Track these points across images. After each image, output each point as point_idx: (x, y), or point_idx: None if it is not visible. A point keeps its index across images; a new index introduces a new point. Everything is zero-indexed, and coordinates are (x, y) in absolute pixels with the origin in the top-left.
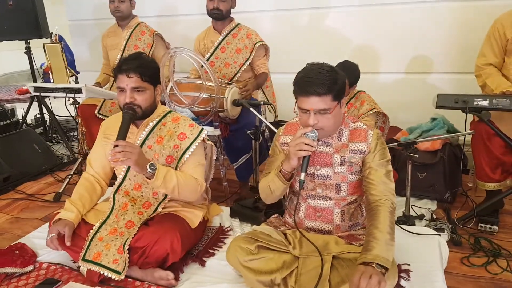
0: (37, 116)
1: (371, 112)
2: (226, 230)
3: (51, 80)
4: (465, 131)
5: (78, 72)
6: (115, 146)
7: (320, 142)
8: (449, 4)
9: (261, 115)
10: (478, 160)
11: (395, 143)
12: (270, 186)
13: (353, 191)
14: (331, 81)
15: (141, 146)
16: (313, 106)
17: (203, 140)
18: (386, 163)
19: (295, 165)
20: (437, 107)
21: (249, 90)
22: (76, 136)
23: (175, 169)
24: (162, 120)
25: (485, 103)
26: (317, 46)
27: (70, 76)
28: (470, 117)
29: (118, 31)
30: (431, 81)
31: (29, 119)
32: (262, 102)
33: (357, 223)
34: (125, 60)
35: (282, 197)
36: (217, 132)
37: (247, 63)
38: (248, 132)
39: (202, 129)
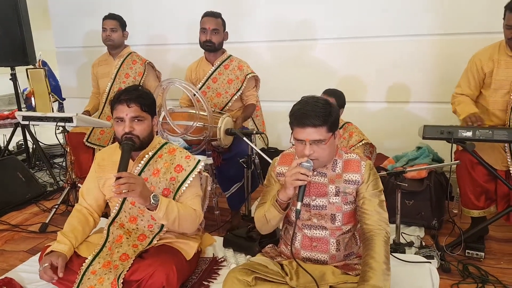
0: (20, 142)
1: (360, 144)
2: (219, 261)
3: (33, 105)
4: (451, 160)
5: (63, 99)
6: (118, 178)
7: (315, 173)
8: (430, 38)
9: (252, 143)
10: (463, 188)
11: (384, 172)
12: (266, 216)
13: (347, 221)
14: (326, 113)
15: None
16: (309, 136)
17: (199, 172)
18: (379, 193)
19: (291, 194)
20: (423, 138)
21: (238, 124)
22: (60, 164)
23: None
24: (158, 152)
25: (469, 134)
26: (305, 76)
27: (53, 102)
28: (454, 146)
29: (109, 60)
30: (414, 110)
31: (11, 145)
32: (254, 132)
33: (351, 253)
34: (123, 91)
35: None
36: (210, 161)
37: (238, 93)
38: (240, 160)
39: (199, 160)
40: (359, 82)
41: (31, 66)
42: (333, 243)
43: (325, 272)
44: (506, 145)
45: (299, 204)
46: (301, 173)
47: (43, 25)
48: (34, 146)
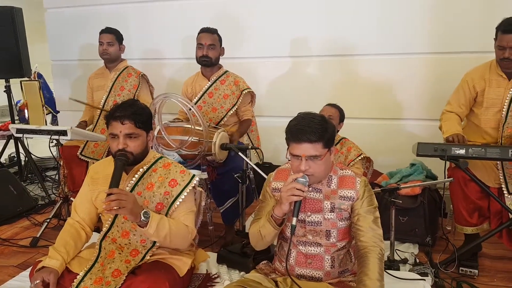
0: (12, 155)
1: (359, 158)
2: (213, 277)
3: (26, 117)
4: (444, 177)
5: (58, 112)
6: (109, 194)
7: (310, 189)
8: (424, 56)
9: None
10: (456, 205)
11: (379, 189)
12: (261, 232)
13: (342, 237)
14: (322, 129)
15: (131, 192)
16: (305, 152)
17: (194, 187)
18: (374, 209)
19: (287, 210)
20: (417, 155)
21: (234, 140)
22: (53, 177)
23: (166, 216)
24: (153, 166)
25: (462, 152)
26: (300, 92)
27: (46, 114)
28: (448, 163)
29: (105, 73)
30: (408, 127)
31: (3, 158)
32: (250, 147)
33: (346, 270)
34: (119, 106)
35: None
36: (204, 175)
37: (234, 108)
38: (235, 175)
39: (194, 175)
40: (353, 99)
41: (26, 78)
42: (328, 260)
43: None
44: (498, 162)
45: (294, 220)
46: (296, 189)
47: (39, 38)
48: (26, 158)
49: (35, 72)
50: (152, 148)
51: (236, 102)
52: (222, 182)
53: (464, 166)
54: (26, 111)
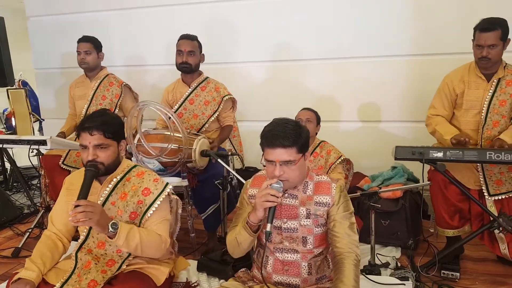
0: None
1: (339, 160)
2: (193, 285)
3: (13, 126)
4: (423, 180)
5: (43, 120)
6: (76, 206)
7: (286, 195)
8: (405, 58)
9: (229, 164)
10: (437, 207)
11: (359, 193)
12: (237, 239)
13: (319, 244)
14: (296, 134)
15: (105, 202)
16: (279, 157)
17: (168, 194)
18: (350, 215)
19: (261, 216)
20: (395, 159)
21: (215, 146)
22: (38, 186)
23: (139, 225)
24: (127, 175)
25: (440, 155)
26: (282, 96)
27: (34, 122)
28: (427, 166)
29: (86, 82)
30: (391, 129)
31: None
32: (230, 153)
33: (324, 276)
34: (88, 117)
35: (251, 249)
36: (185, 182)
37: (215, 114)
38: (216, 182)
39: (167, 183)
40: (335, 102)
41: (13, 87)
42: (305, 267)
43: None
44: (478, 164)
45: (269, 226)
46: (271, 195)
47: (23, 46)
48: (11, 167)
49: (19, 80)
50: (132, 156)
51: (217, 108)
52: (203, 189)
53: (442, 169)
54: (13, 119)
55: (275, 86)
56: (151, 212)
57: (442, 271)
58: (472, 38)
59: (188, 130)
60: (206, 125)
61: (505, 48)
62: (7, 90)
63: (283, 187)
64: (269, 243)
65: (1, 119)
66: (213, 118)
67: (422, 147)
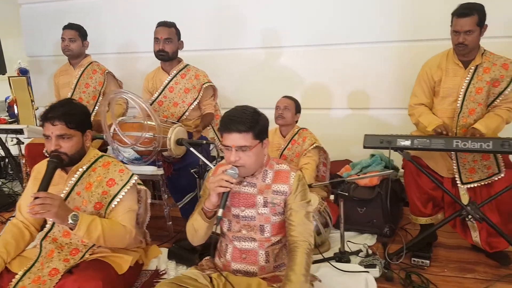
0: None
1: (313, 147)
2: (161, 273)
3: (16, 113)
4: (390, 169)
5: (37, 108)
6: (35, 198)
7: (245, 183)
8: (394, 45)
9: (210, 152)
10: (410, 195)
11: (327, 182)
12: (194, 225)
13: (277, 232)
14: (253, 120)
15: (70, 192)
16: (234, 142)
17: (134, 185)
18: (307, 204)
19: (215, 201)
20: (364, 147)
21: (196, 134)
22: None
23: (104, 216)
24: (93, 165)
25: (407, 143)
26: (272, 83)
27: (36, 109)
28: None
29: (69, 70)
30: (380, 116)
31: None
32: (204, 142)
33: (282, 264)
34: (51, 107)
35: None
36: (160, 171)
37: (195, 102)
38: (192, 170)
39: (133, 174)
40: (324, 89)
41: (14, 74)
42: (262, 255)
43: (251, 284)
44: (452, 152)
45: (220, 211)
46: (224, 180)
47: (18, 33)
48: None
49: (18, 68)
50: (108, 145)
51: (197, 96)
52: (179, 177)
53: (407, 157)
54: (15, 107)
55: (264, 73)
56: (115, 203)
57: (413, 259)
58: (450, 24)
59: (166, 119)
60: (187, 113)
61: (482, 34)
62: (8, 78)
63: (239, 174)
64: (228, 232)
65: (4, 107)
66: (193, 106)
67: (390, 135)
